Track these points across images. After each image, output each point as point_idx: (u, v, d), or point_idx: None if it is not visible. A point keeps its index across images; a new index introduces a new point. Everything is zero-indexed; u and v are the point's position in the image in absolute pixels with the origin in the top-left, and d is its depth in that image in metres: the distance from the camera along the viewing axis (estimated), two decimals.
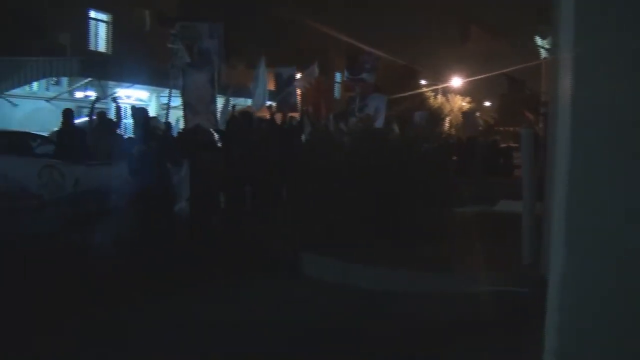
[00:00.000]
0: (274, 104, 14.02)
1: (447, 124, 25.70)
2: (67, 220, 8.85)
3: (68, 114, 10.09)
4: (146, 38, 22.48)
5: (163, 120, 11.33)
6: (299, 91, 14.67)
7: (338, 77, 40.02)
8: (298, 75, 14.85)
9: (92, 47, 23.20)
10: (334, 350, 4.74)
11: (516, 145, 28.26)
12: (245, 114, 12.00)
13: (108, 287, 6.01)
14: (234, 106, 12.83)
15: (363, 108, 15.54)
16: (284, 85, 13.98)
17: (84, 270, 6.61)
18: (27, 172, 9.03)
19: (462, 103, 48.51)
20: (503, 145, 26.16)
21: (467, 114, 25.89)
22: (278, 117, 12.88)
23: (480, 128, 25.01)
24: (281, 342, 4.86)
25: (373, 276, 6.56)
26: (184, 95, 10.45)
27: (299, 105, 14.18)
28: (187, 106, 10.28)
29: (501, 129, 47.24)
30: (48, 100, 17.64)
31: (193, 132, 9.93)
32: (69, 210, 9.06)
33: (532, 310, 5.55)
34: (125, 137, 11.67)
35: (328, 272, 6.80)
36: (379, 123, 14.80)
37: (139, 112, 8.67)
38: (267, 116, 13.09)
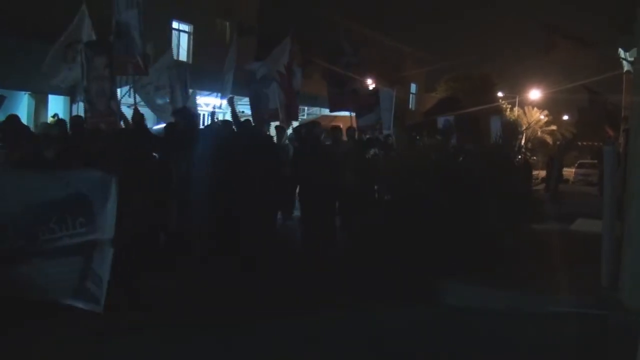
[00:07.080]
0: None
1: (523, 139, 23.39)
2: None
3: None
4: (226, 48, 22.97)
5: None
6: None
7: (413, 88, 39.79)
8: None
9: (174, 57, 23.97)
10: None
11: (589, 161, 26.46)
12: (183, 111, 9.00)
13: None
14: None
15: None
16: (258, 86, 11.49)
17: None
18: None
19: (539, 116, 47.27)
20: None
21: (494, 118, 19.69)
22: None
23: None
24: None
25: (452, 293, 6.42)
26: (84, 90, 8.57)
27: (280, 112, 11.17)
28: (88, 102, 8.47)
29: (580, 143, 45.82)
30: (129, 106, 18.21)
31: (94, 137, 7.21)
32: None
33: (610, 334, 5.37)
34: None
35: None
36: (387, 126, 12.98)
37: None
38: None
